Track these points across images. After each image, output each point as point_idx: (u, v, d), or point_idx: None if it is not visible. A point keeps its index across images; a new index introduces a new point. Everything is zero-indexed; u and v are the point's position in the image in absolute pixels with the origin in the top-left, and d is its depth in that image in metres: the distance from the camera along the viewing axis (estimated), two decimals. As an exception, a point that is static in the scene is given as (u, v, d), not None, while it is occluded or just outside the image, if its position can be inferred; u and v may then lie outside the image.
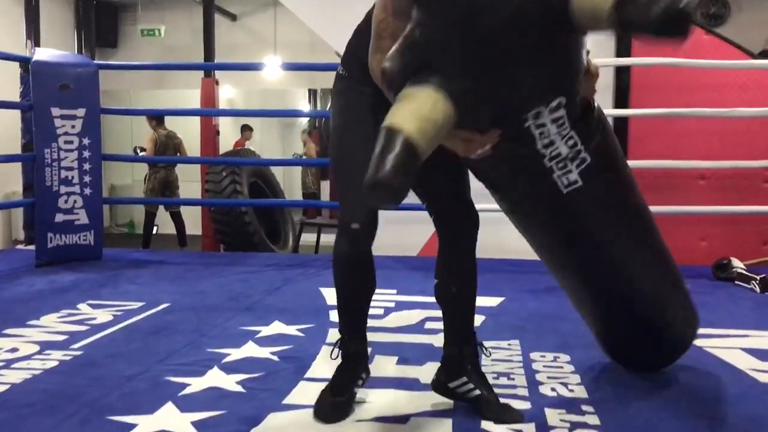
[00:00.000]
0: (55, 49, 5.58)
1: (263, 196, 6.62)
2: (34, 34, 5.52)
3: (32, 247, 4.50)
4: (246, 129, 10.32)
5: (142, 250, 6.02)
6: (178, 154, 7.79)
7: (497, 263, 4.31)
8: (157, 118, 7.49)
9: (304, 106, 12.53)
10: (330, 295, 3.37)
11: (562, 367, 2.27)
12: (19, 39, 5.65)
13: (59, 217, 4.30)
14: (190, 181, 8.59)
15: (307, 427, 1.77)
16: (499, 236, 4.86)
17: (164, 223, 8.44)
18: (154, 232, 8.47)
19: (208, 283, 3.71)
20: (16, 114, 6.08)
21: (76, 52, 6.35)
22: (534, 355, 2.41)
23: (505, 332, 2.70)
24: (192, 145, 7.59)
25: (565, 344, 2.53)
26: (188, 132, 7.85)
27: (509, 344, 2.54)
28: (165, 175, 7.64)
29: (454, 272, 1.92)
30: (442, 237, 1.94)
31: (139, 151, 8.33)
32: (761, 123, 4.50)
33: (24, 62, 4.62)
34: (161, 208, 7.69)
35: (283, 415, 1.84)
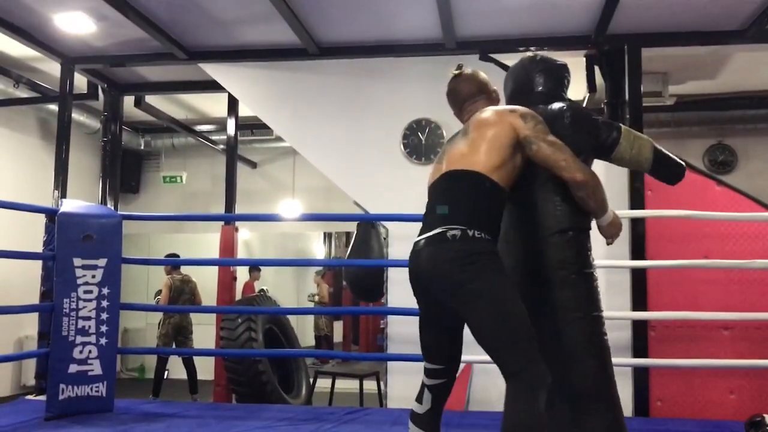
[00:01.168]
0: (81, 195, 5.76)
1: (278, 342, 6.55)
2: (61, 185, 5.70)
3: (42, 398, 4.41)
4: (254, 270, 10.41)
5: (153, 401, 5.89)
6: (193, 297, 7.84)
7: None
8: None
9: (319, 248, 12.69)
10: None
11: None
12: (48, 189, 5.84)
13: (73, 368, 4.25)
14: (204, 324, 8.55)
15: None
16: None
17: (175, 367, 8.33)
18: (166, 376, 8.35)
19: (221, 441, 3.58)
20: (36, 261, 6.17)
21: (99, 198, 6.51)
22: None
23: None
24: (208, 287, 7.62)
25: None
26: (206, 275, 7.91)
27: None
28: (179, 320, 7.66)
29: None
30: None
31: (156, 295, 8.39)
32: (780, 274, 4.49)
33: (51, 214, 4.73)
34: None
35: None
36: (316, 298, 11.31)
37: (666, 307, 4.50)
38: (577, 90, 6.23)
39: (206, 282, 7.74)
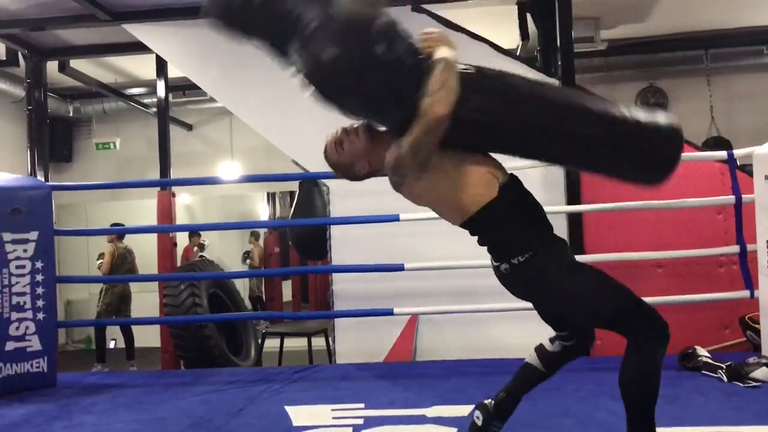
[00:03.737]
0: (8, 168, 5.53)
1: (224, 306, 6.50)
2: (-16, 157, 5.47)
3: (-19, 378, 4.28)
4: (194, 235, 10.28)
5: (97, 373, 5.83)
6: (132, 267, 7.81)
7: (468, 365, 4.25)
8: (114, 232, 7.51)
9: (263, 209, 12.56)
10: (296, 414, 3.26)
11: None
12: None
13: (10, 345, 4.13)
14: (146, 292, 8.45)
15: None
16: (470, 336, 4.84)
17: (120, 336, 8.27)
18: (113, 345, 8.27)
19: (168, 408, 3.56)
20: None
21: (29, 169, 6.28)
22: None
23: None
24: (148, 256, 7.50)
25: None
26: (145, 243, 7.78)
27: (483, 460, 2.46)
28: (122, 289, 7.59)
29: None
30: None
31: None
32: (708, 211, 4.64)
33: (-26, 187, 4.53)
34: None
35: None
36: (248, 261, 11.31)
37: (602, 249, 4.62)
38: (510, 38, 6.24)
39: (146, 248, 7.62)
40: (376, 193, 4.97)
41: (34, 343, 4.23)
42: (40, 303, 4.26)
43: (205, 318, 5.75)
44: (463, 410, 3.18)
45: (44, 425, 3.32)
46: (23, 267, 4.21)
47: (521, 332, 4.76)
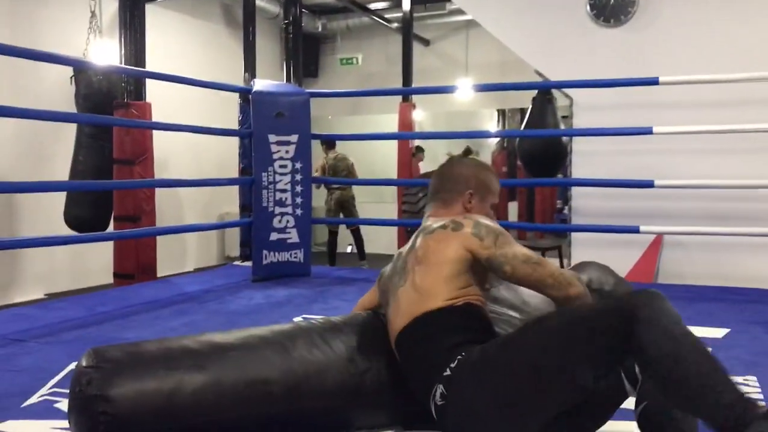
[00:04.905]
0: (268, 80, 6.03)
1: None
2: (251, 68, 5.98)
3: (248, 264, 4.84)
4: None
5: (346, 268, 6.29)
6: (350, 174, 8.12)
7: (717, 291, 4.00)
8: (326, 142, 7.90)
9: (492, 127, 12.50)
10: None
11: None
12: (237, 71, 6.16)
13: (273, 236, 4.60)
14: (383, 203, 8.90)
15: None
16: (721, 263, 4.52)
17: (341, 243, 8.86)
18: (349, 250, 8.88)
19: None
20: (229, 141, 6.64)
21: (285, 81, 6.79)
22: (778, 394, 2.18)
23: (738, 367, 2.47)
24: (389, 166, 7.87)
25: (811, 383, 2.27)
26: (385, 154, 8.15)
27: (745, 380, 2.32)
28: (339, 195, 8.05)
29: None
30: None
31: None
32: None
33: (245, 93, 5.01)
34: (342, 226, 8.19)
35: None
36: None
37: None
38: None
39: (386, 159, 7.97)
40: (624, 106, 4.76)
41: (293, 236, 4.67)
42: (298, 200, 4.66)
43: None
44: (717, 332, 3.00)
45: (305, 305, 3.69)
46: (285, 167, 4.62)
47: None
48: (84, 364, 1.65)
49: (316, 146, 8.44)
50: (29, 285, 6.66)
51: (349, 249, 9.57)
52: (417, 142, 10.42)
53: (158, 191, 5.36)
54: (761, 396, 2.16)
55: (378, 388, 1.87)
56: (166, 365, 1.70)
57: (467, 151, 9.70)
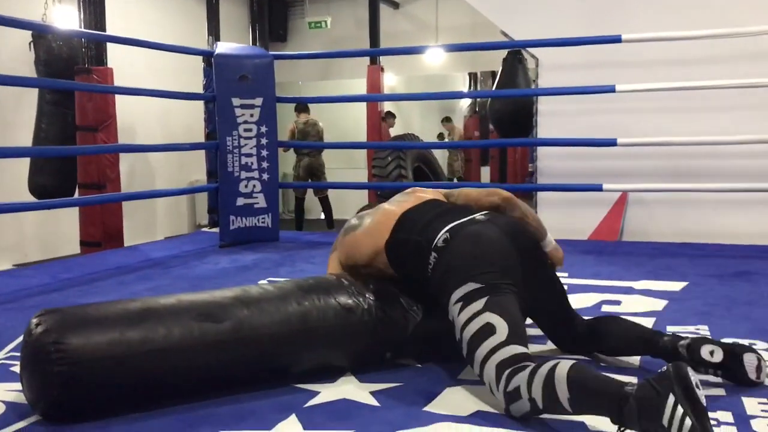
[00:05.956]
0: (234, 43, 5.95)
1: (426, 180, 6.68)
2: (214, 31, 5.90)
3: (216, 230, 4.83)
4: (389, 116, 10.47)
5: (315, 233, 6.29)
6: (320, 138, 8.05)
7: (678, 247, 4.07)
8: (299, 106, 7.80)
9: (464, 90, 12.48)
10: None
11: (759, 355, 2.08)
12: (202, 36, 6.07)
13: (240, 201, 4.58)
14: (352, 168, 8.88)
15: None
16: (684, 220, 4.59)
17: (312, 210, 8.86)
18: (322, 217, 8.87)
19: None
20: (198, 107, 6.56)
21: (251, 44, 6.71)
22: (725, 341, 2.23)
23: (691, 317, 2.53)
24: (360, 132, 7.83)
25: (760, 330, 2.33)
26: (355, 118, 8.11)
27: (697, 329, 2.38)
28: (309, 162, 7.99)
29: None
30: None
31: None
32: None
33: (207, 56, 4.95)
34: (310, 193, 8.14)
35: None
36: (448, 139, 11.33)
37: None
38: None
39: (358, 126, 7.94)
40: (588, 65, 4.77)
41: (260, 201, 4.65)
42: (264, 164, 4.64)
43: (410, 185, 5.94)
44: (674, 286, 3.06)
45: (271, 269, 3.69)
46: (250, 130, 4.58)
47: (743, 219, 4.44)
48: (34, 317, 1.69)
49: (290, 111, 8.43)
50: (-3, 255, 6.59)
51: (322, 216, 9.58)
52: (388, 107, 10.39)
53: (128, 160, 5.31)
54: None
55: (324, 322, 1.92)
56: (116, 314, 1.75)
57: (389, 114, 9.63)
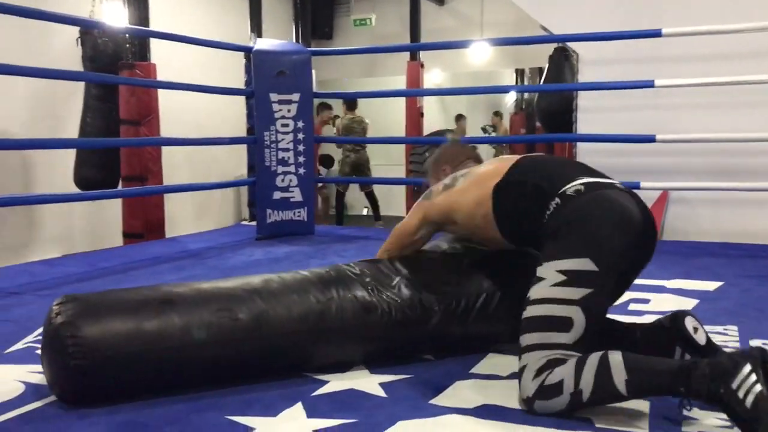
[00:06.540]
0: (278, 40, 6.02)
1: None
2: (257, 27, 5.97)
3: (254, 223, 4.90)
4: (460, 118, 10.40)
5: (351, 227, 6.32)
6: (365, 135, 8.09)
7: (718, 247, 3.96)
8: (347, 102, 7.85)
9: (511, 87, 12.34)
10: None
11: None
12: (246, 32, 6.15)
13: (277, 195, 4.64)
14: (393, 165, 8.89)
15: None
16: (719, 219, 4.46)
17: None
18: (365, 213, 8.91)
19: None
20: (241, 103, 6.65)
21: (293, 41, 6.77)
22: (754, 343, 2.16)
23: (721, 317, 2.46)
24: (398, 127, 7.82)
25: (792, 333, 2.25)
26: (397, 115, 8.10)
27: (725, 329, 2.31)
28: (355, 158, 8.02)
29: None
30: None
31: None
32: None
33: (247, 52, 5.01)
34: (353, 189, 8.14)
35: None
36: (493, 133, 11.22)
37: None
38: None
39: (399, 122, 7.94)
40: (630, 60, 4.66)
41: (296, 195, 4.70)
42: (301, 159, 4.69)
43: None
44: (709, 285, 2.98)
45: (301, 261, 3.73)
46: (287, 126, 4.63)
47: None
48: (55, 304, 1.73)
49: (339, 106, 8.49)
50: (47, 246, 6.79)
51: (365, 212, 9.60)
52: (429, 103, 10.34)
53: (172, 155, 5.42)
54: (738, 345, 2.15)
55: (341, 322, 1.90)
56: (135, 303, 1.77)
57: (459, 116, 9.58)
